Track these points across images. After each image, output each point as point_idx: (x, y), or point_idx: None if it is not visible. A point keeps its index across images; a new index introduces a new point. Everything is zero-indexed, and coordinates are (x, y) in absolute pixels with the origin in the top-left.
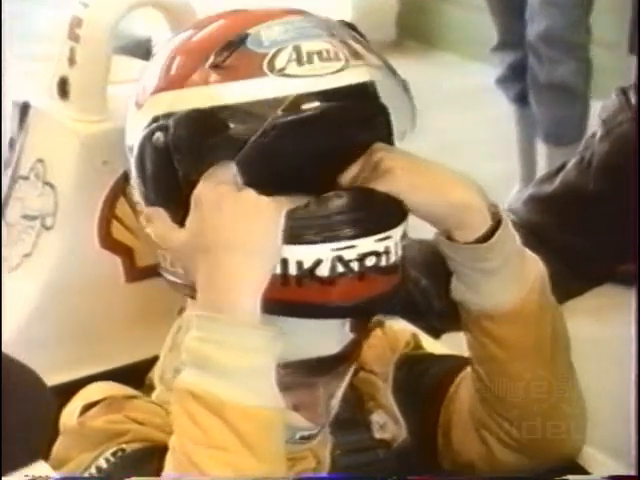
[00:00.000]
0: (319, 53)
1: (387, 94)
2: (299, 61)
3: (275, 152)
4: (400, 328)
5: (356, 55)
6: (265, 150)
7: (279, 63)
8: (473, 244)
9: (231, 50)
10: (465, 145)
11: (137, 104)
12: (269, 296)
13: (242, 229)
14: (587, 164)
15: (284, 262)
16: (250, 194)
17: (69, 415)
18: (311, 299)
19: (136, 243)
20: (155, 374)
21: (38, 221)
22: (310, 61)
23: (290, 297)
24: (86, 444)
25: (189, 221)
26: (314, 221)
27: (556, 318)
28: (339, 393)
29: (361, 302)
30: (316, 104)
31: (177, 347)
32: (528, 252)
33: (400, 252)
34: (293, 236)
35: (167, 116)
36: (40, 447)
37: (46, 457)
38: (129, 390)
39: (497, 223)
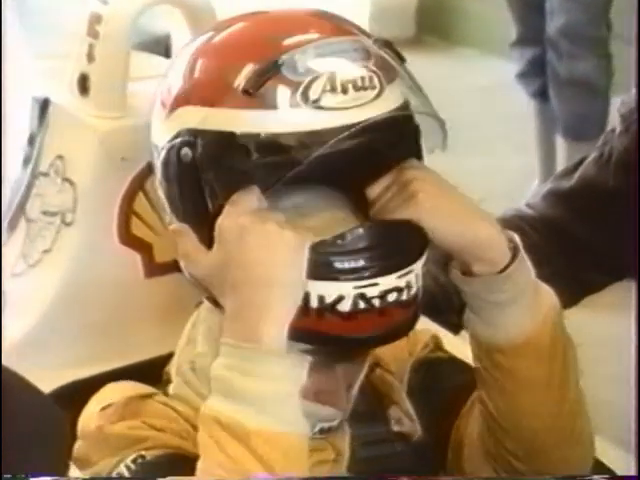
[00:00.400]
0: (354, 82)
1: (418, 113)
2: (333, 91)
3: (310, 180)
4: (420, 329)
5: (390, 78)
6: (295, 180)
7: (313, 94)
8: (487, 277)
9: (266, 78)
10: (485, 141)
11: (162, 104)
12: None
13: (266, 263)
14: (606, 159)
15: (306, 295)
16: (273, 226)
17: (87, 419)
18: (331, 331)
19: (155, 239)
20: (172, 367)
21: (58, 217)
22: (345, 91)
23: (310, 327)
24: (106, 449)
25: (214, 250)
26: (337, 257)
27: (567, 351)
28: (357, 383)
29: (380, 333)
30: (351, 141)
31: (192, 342)
32: (542, 285)
33: (421, 281)
34: (316, 271)
35: (196, 133)
36: (58, 461)
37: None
38: (145, 388)
39: (513, 255)
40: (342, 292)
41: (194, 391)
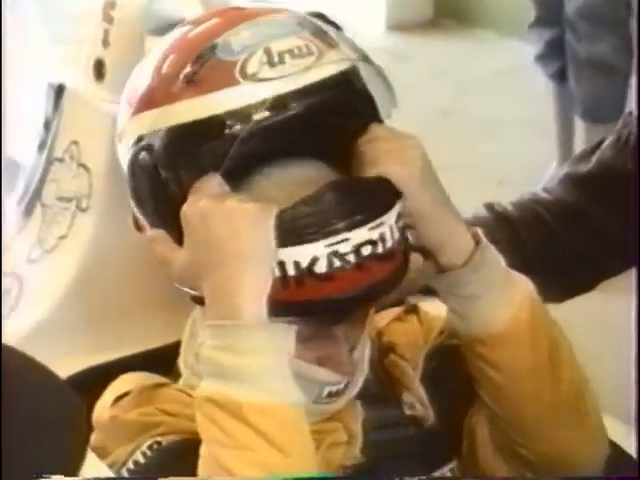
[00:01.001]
0: (290, 51)
1: (367, 79)
2: (271, 63)
3: (263, 156)
4: (435, 315)
5: (329, 45)
6: (250, 156)
7: (251, 68)
8: (454, 270)
9: (202, 62)
10: (503, 123)
11: (129, 102)
12: (270, 299)
13: (231, 239)
14: (624, 142)
15: (281, 264)
16: (233, 203)
17: (101, 409)
18: (312, 296)
19: None
20: (180, 360)
21: (73, 203)
22: (282, 61)
23: (291, 297)
24: (121, 437)
25: (185, 244)
26: (304, 220)
27: (553, 336)
28: (360, 345)
29: (361, 291)
30: (295, 103)
31: (194, 335)
32: (515, 273)
33: (397, 234)
34: (286, 238)
35: (150, 135)
36: (73, 448)
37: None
38: (157, 378)
39: (476, 246)
40: (315, 253)
41: (201, 379)
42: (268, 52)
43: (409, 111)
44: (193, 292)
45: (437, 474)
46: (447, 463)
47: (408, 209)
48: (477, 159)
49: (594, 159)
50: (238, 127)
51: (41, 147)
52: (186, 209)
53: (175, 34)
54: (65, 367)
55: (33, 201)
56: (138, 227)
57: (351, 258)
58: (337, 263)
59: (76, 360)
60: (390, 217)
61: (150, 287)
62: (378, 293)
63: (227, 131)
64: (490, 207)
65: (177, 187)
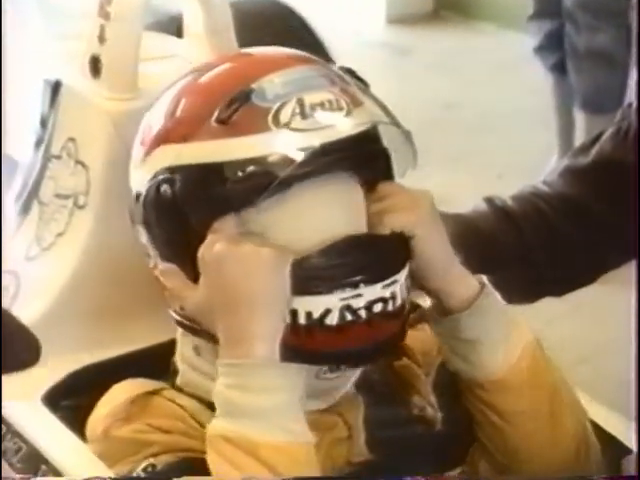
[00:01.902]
0: (322, 104)
1: (388, 136)
2: (303, 114)
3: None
4: None
5: (356, 102)
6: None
7: (284, 117)
8: (456, 314)
9: (237, 106)
10: (503, 115)
11: (142, 143)
12: (280, 343)
13: (247, 284)
14: (624, 135)
15: (293, 312)
16: (249, 248)
17: (94, 422)
18: (322, 347)
19: None
20: (177, 358)
21: (71, 200)
22: (313, 114)
23: (300, 345)
24: (115, 456)
25: (200, 283)
26: (321, 271)
27: (554, 382)
28: None
29: (369, 347)
30: (322, 158)
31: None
32: (517, 318)
33: (405, 292)
34: (301, 287)
35: (173, 169)
36: None
37: None
38: (152, 384)
39: (480, 291)
40: (328, 305)
41: (202, 374)
42: (301, 103)
43: (410, 104)
44: (197, 327)
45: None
46: (454, 468)
47: (417, 253)
48: (478, 152)
49: (593, 152)
50: (266, 172)
51: (38, 144)
52: (203, 251)
53: (188, 78)
54: (63, 365)
55: (30, 199)
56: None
57: (362, 314)
58: (349, 317)
59: (74, 358)
60: (402, 275)
61: (148, 284)
62: (385, 350)
63: (255, 175)
64: (490, 201)
65: (197, 223)
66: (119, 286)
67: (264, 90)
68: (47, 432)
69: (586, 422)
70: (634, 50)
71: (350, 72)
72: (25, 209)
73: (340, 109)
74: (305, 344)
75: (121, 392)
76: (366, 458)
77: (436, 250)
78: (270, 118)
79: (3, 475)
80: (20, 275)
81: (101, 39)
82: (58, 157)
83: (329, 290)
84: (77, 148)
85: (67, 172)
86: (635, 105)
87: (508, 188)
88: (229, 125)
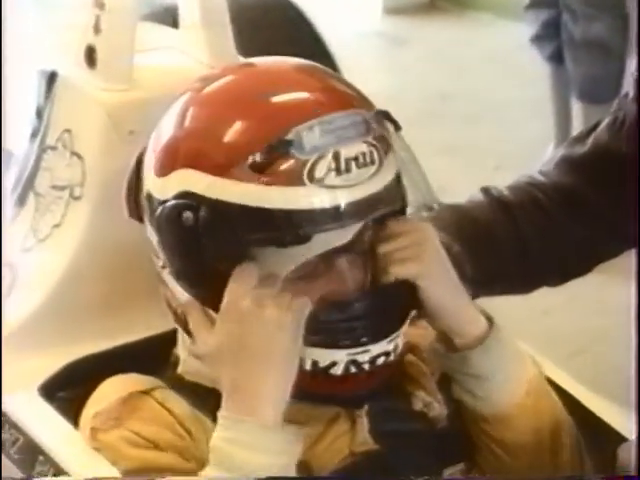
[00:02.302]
0: (356, 159)
1: (407, 174)
2: (338, 170)
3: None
4: None
5: (387, 150)
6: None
7: (318, 173)
8: (465, 351)
9: (274, 156)
10: (500, 105)
11: (154, 150)
12: None
13: (263, 348)
14: (620, 125)
15: (300, 358)
16: (273, 313)
17: (84, 420)
18: (322, 391)
19: None
20: (178, 345)
21: (67, 191)
22: (348, 169)
23: (301, 385)
24: (103, 458)
25: (216, 330)
26: (331, 325)
27: (556, 419)
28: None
29: (367, 392)
30: (352, 218)
31: None
32: (524, 354)
33: (403, 338)
34: (312, 339)
35: (200, 199)
36: None
37: None
38: (144, 382)
39: (489, 329)
40: (335, 358)
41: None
42: (336, 157)
43: (407, 95)
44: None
45: (448, 472)
46: (457, 463)
47: (423, 300)
48: (474, 142)
49: (589, 141)
50: (294, 225)
51: (33, 135)
52: (227, 304)
53: (189, 90)
54: (60, 356)
55: (26, 190)
56: (133, 215)
57: (366, 367)
58: (353, 369)
59: (71, 349)
60: (405, 326)
61: (144, 275)
62: (378, 391)
63: (284, 227)
64: (486, 191)
65: (212, 256)
66: (115, 277)
67: (302, 140)
68: (44, 423)
69: (584, 459)
70: (633, 40)
71: (386, 115)
72: (21, 200)
73: (372, 163)
74: (306, 385)
75: (113, 389)
76: (370, 447)
77: (443, 295)
78: (306, 173)
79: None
80: (16, 266)
81: (96, 30)
82: (54, 148)
83: (339, 345)
84: (73, 139)
85: (63, 163)
86: (632, 95)
87: (505, 179)
88: (264, 173)
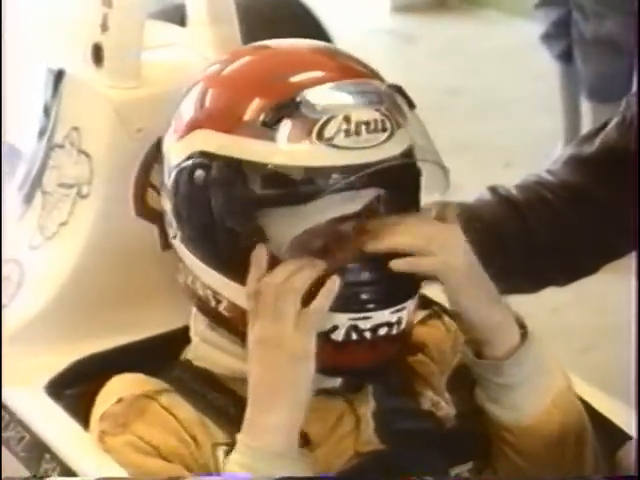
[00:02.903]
0: (367, 124)
1: (420, 157)
2: (347, 132)
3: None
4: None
5: (399, 124)
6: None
7: (328, 132)
8: (495, 360)
9: (284, 113)
10: (509, 103)
11: (175, 131)
12: None
13: (276, 386)
14: (628, 124)
15: None
16: (308, 346)
17: (93, 422)
18: (323, 361)
19: None
20: (191, 330)
21: (74, 190)
22: (358, 132)
23: None
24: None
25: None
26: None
27: (581, 432)
28: None
29: (369, 367)
30: (360, 180)
31: None
32: (555, 367)
33: (411, 317)
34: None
35: (211, 156)
36: None
37: None
38: (151, 384)
39: (522, 340)
40: (336, 322)
41: (215, 347)
42: (347, 120)
43: (415, 92)
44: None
45: (455, 471)
46: (465, 463)
47: (452, 303)
48: (484, 139)
49: (598, 141)
50: (303, 182)
51: (41, 133)
52: (253, 338)
53: (208, 71)
54: (67, 354)
55: (34, 188)
56: (141, 214)
57: (367, 335)
58: (354, 336)
59: (78, 347)
60: (411, 303)
61: (151, 273)
62: (380, 370)
63: (292, 183)
64: (494, 190)
65: (221, 214)
66: (122, 275)
67: (314, 101)
68: (50, 421)
69: (598, 450)
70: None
71: (398, 90)
72: (28, 198)
73: (384, 130)
74: None
75: (120, 387)
76: (375, 447)
77: (472, 300)
78: (315, 131)
79: (5, 464)
80: (23, 264)
81: (104, 27)
82: (61, 146)
83: (340, 309)
84: (80, 137)
85: (70, 161)
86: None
87: (515, 176)
88: (275, 130)
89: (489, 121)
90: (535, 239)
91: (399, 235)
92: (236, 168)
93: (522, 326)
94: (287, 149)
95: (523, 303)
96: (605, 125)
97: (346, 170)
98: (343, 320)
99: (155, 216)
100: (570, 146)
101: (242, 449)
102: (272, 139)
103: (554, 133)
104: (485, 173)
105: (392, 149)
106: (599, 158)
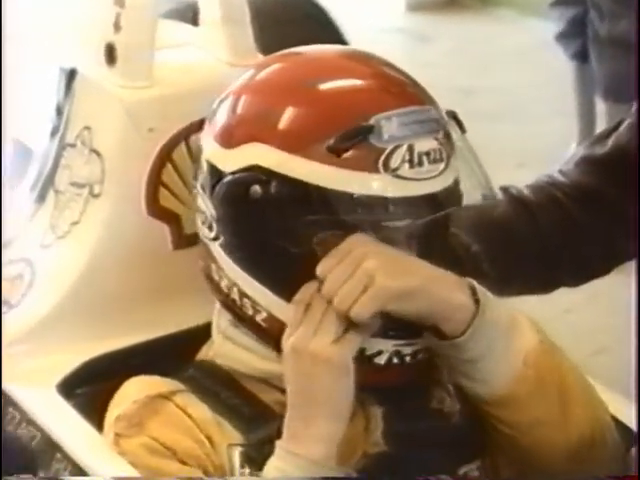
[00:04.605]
0: (428, 154)
1: (474, 177)
2: (411, 163)
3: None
4: None
5: (452, 150)
6: None
7: (393, 163)
8: (453, 339)
9: (353, 141)
10: (524, 103)
11: (221, 137)
12: None
13: (312, 388)
14: None
15: None
16: (346, 362)
17: (108, 425)
18: (361, 378)
19: (183, 210)
20: (213, 329)
21: (86, 189)
22: (420, 163)
23: None
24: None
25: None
26: (382, 316)
27: (562, 381)
28: None
29: (403, 383)
30: (418, 208)
31: None
32: (518, 325)
33: None
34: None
35: (271, 173)
36: None
37: None
38: (165, 385)
39: (475, 309)
40: (382, 347)
41: (237, 345)
42: (411, 150)
43: (429, 91)
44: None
45: (463, 470)
46: (472, 461)
47: (399, 291)
48: (497, 139)
49: (610, 141)
50: (365, 213)
51: (53, 133)
52: (296, 346)
53: (243, 78)
54: (79, 353)
55: (46, 187)
56: (152, 214)
57: (408, 359)
58: (395, 360)
59: (89, 346)
60: None
61: (163, 273)
62: (405, 385)
63: (352, 213)
64: (506, 190)
65: (275, 232)
66: (134, 275)
67: (381, 129)
68: (62, 420)
69: (603, 409)
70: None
71: (453, 115)
72: (40, 198)
73: (441, 160)
74: None
75: (135, 390)
76: (381, 449)
77: (419, 287)
78: (381, 161)
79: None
80: (35, 263)
81: (116, 27)
82: (73, 145)
83: (388, 335)
84: (92, 137)
85: (82, 161)
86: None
87: (528, 177)
88: (341, 157)
89: (502, 121)
90: (546, 240)
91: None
92: (295, 189)
93: (474, 292)
94: (353, 177)
95: (535, 304)
96: (618, 125)
97: (408, 201)
98: (388, 346)
99: (166, 215)
100: (582, 146)
101: (282, 454)
102: (338, 165)
103: (568, 133)
104: (498, 173)
105: (448, 179)
106: (611, 159)
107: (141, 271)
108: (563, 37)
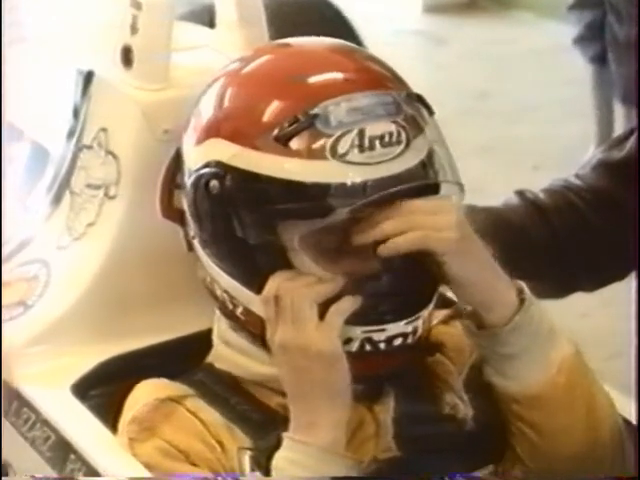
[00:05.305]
0: (381, 138)
1: (438, 163)
2: (361, 147)
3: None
4: None
5: (417, 131)
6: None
7: (341, 148)
8: (495, 329)
9: (298, 128)
10: (541, 106)
11: (194, 128)
12: None
13: (308, 378)
14: None
15: None
16: (336, 348)
17: (121, 428)
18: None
19: None
20: (213, 334)
21: (102, 190)
22: (372, 147)
23: None
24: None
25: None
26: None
27: (591, 397)
28: None
29: (384, 374)
30: (374, 191)
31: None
32: (557, 333)
33: (427, 323)
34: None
35: (225, 167)
36: None
37: None
38: (176, 389)
39: (521, 304)
40: (350, 334)
41: (236, 349)
42: (361, 134)
43: (445, 93)
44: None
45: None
46: (485, 466)
47: (450, 276)
48: (513, 141)
49: (627, 146)
50: (314, 198)
51: (70, 135)
52: (277, 338)
53: (246, 67)
54: (93, 355)
55: (62, 189)
56: (167, 216)
57: (382, 346)
58: (368, 348)
59: (104, 348)
60: (426, 310)
61: (178, 275)
62: (396, 375)
63: (304, 199)
64: (521, 194)
65: (237, 225)
66: (149, 277)
67: (329, 115)
68: (76, 421)
69: (621, 426)
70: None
71: (418, 98)
72: (56, 199)
73: (399, 143)
74: None
75: (145, 393)
76: (393, 454)
77: (470, 271)
78: (328, 147)
79: (31, 464)
80: (51, 264)
81: (133, 29)
82: (89, 147)
83: (354, 322)
84: (108, 138)
85: (98, 162)
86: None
87: (544, 180)
88: (287, 146)
89: (519, 124)
90: (562, 244)
91: (383, 223)
92: (249, 181)
93: (521, 292)
94: (299, 165)
95: (551, 308)
96: (635, 129)
97: (362, 186)
98: (357, 333)
99: (181, 218)
100: (599, 150)
101: (290, 444)
102: (286, 154)
103: (584, 137)
104: (514, 175)
105: (407, 161)
106: (628, 163)
107: (156, 273)
108: (581, 40)
